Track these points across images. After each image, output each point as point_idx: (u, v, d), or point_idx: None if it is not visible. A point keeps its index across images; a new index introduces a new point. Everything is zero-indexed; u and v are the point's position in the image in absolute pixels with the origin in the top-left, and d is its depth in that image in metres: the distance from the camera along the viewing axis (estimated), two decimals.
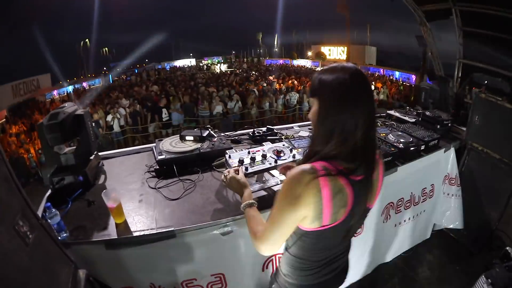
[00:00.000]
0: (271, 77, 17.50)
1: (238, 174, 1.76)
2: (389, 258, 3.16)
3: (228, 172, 1.79)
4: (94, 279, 1.75)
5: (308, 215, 1.20)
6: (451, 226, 3.45)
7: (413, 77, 18.36)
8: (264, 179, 2.15)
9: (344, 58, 26.31)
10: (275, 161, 2.04)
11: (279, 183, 2.16)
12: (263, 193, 2.12)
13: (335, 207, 1.18)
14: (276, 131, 3.13)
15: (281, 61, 31.03)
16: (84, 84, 21.20)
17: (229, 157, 2.03)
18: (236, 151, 2.14)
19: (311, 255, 1.40)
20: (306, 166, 1.18)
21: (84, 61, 24.25)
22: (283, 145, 2.24)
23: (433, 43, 7.24)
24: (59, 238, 1.70)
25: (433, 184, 3.14)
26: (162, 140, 2.71)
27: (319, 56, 28.23)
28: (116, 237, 1.75)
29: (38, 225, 1.36)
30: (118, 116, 9.97)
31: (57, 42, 20.96)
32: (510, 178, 2.96)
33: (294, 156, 2.12)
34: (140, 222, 1.86)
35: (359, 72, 1.19)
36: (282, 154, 2.11)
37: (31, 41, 20.38)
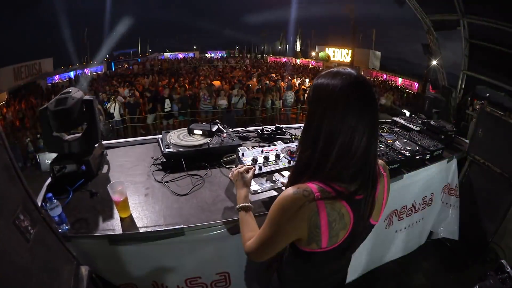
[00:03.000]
0: (273, 75, 17.37)
1: (248, 173, 1.69)
2: (385, 261, 3.13)
3: (239, 167, 1.72)
4: (96, 275, 1.66)
5: (303, 238, 1.12)
6: (447, 236, 3.46)
7: (415, 84, 18.30)
8: (274, 179, 2.07)
9: (348, 61, 26.19)
10: (289, 162, 1.96)
11: None
12: (274, 193, 2.04)
13: (334, 231, 1.10)
14: (284, 130, 3.05)
15: (284, 60, 30.83)
16: (86, 70, 20.96)
17: (242, 155, 1.94)
18: (247, 148, 2.05)
19: (308, 271, 1.33)
20: (300, 187, 1.08)
21: (87, 47, 24.06)
22: (296, 145, 2.15)
23: (439, 52, 7.21)
24: (60, 231, 1.62)
25: (433, 193, 3.11)
26: (169, 132, 2.62)
27: (323, 57, 28.04)
28: (121, 233, 1.67)
29: (40, 219, 1.28)
30: (119, 104, 9.83)
31: (61, 27, 20.71)
32: (509, 192, 2.96)
33: None
34: (146, 217, 1.78)
35: (359, 79, 1.07)
36: (295, 155, 2.02)
37: (35, 25, 20.17)
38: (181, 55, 30.59)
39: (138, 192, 2.01)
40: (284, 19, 28.41)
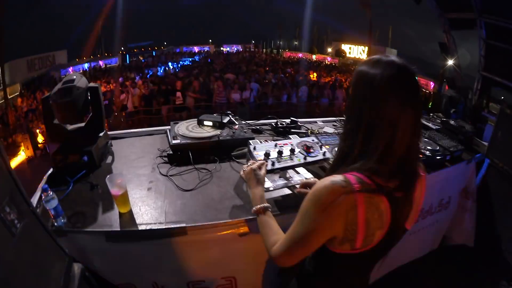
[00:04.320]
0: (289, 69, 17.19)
1: (261, 169, 1.54)
2: (396, 265, 2.98)
3: (251, 163, 1.57)
4: (92, 273, 1.54)
5: (337, 235, 1.04)
6: (462, 242, 3.32)
7: (431, 83, 17.94)
8: (288, 175, 1.90)
9: (364, 58, 25.81)
10: (305, 158, 1.80)
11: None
12: (287, 191, 1.89)
13: (371, 229, 1.01)
14: (300, 124, 2.89)
15: (300, 55, 30.57)
16: (101, 62, 21.26)
17: (254, 148, 1.77)
18: (260, 142, 1.89)
19: (336, 276, 1.21)
20: (338, 177, 0.99)
21: (102, 39, 24.23)
22: (312, 140, 1.99)
23: (456, 51, 7.12)
24: (55, 224, 1.50)
25: (450, 196, 2.95)
26: (177, 123, 2.48)
27: (339, 53, 27.75)
28: (119, 229, 1.53)
29: (29, 212, 1.17)
30: (132, 95, 9.81)
31: (76, 19, 20.87)
32: None
33: (324, 154, 1.87)
34: (147, 214, 1.63)
35: (402, 69, 1.00)
36: (312, 151, 1.86)
37: (49, 16, 20.33)
38: (196, 49, 30.48)
39: (140, 186, 1.87)
40: (301, 14, 28.08)
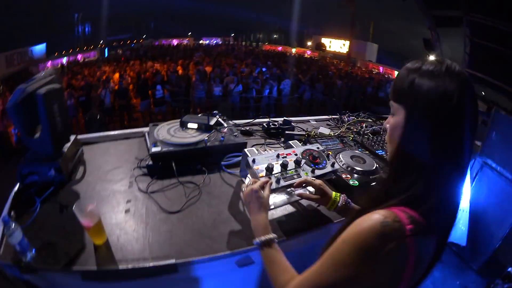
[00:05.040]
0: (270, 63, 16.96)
1: (263, 189, 1.27)
2: None
3: (252, 182, 1.29)
4: None
5: (379, 285, 0.82)
6: (454, 241, 3.39)
7: None
8: (289, 189, 1.62)
9: (345, 52, 25.96)
10: (313, 171, 1.53)
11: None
12: (291, 208, 1.62)
13: (417, 273, 0.85)
14: (294, 125, 2.63)
15: (279, 48, 30.35)
16: (79, 56, 20.72)
17: (253, 161, 1.46)
18: (258, 151, 1.59)
19: None
20: (387, 216, 0.81)
21: (81, 33, 23.49)
22: (317, 148, 1.71)
23: (440, 48, 7.25)
24: (24, 260, 1.20)
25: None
26: (157, 125, 2.17)
27: (319, 47, 27.66)
28: (95, 269, 1.21)
29: None
30: (110, 90, 9.38)
31: (54, 13, 20.13)
32: None
33: (333, 165, 1.61)
34: (127, 245, 1.31)
35: (470, 81, 0.85)
36: (318, 161, 1.59)
37: (28, 10, 19.57)
38: (175, 42, 29.86)
39: (117, 207, 1.54)
40: (280, 7, 27.90)
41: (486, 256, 3.22)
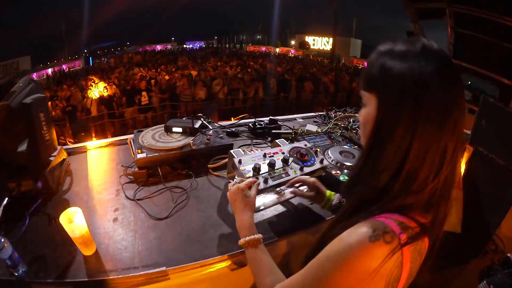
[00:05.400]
0: (251, 63, 16.99)
1: (251, 189, 1.25)
2: None
3: (239, 181, 1.27)
4: None
5: None
6: (449, 229, 3.19)
7: None
8: (278, 189, 1.60)
9: (329, 49, 26.10)
10: (301, 169, 1.52)
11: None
12: (281, 209, 1.61)
13: (411, 277, 0.79)
14: (280, 123, 2.62)
15: (263, 49, 30.38)
16: (64, 66, 20.60)
17: (239, 162, 1.44)
18: (244, 152, 1.57)
19: None
20: (376, 227, 0.72)
21: (65, 43, 23.28)
22: (305, 145, 1.69)
23: None
24: (16, 274, 1.18)
25: None
26: (142, 131, 2.14)
27: (303, 45, 27.75)
28: (86, 280, 1.19)
29: None
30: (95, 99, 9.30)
31: (38, 24, 19.98)
32: None
33: (322, 161, 1.60)
34: (116, 255, 1.29)
35: (450, 60, 0.74)
36: (307, 158, 1.58)
37: (12, 22, 19.42)
38: (159, 47, 29.73)
39: (105, 216, 1.52)
40: (263, 7, 27.96)
41: (482, 244, 3.17)
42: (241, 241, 1.10)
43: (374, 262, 0.69)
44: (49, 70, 19.06)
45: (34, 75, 17.35)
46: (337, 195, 1.42)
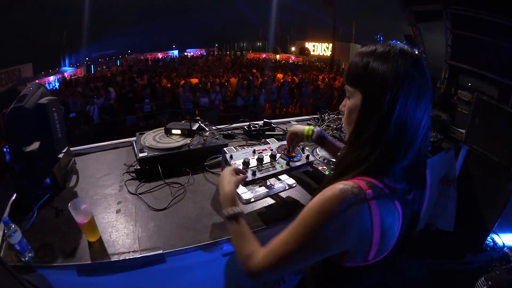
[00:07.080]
0: (254, 70, 17.06)
1: (238, 174, 1.37)
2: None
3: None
4: None
5: (350, 249, 0.90)
6: (443, 228, 3.39)
7: None
8: (268, 183, 1.76)
9: (329, 55, 26.15)
10: (287, 163, 1.66)
11: (287, 188, 1.79)
12: (270, 201, 1.74)
13: (386, 237, 0.89)
14: (274, 126, 2.76)
15: (264, 55, 30.48)
16: (66, 74, 20.74)
17: (231, 157, 1.59)
18: (235, 149, 1.72)
19: None
20: (347, 184, 0.87)
21: (67, 50, 23.44)
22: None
23: (423, 43, 7.26)
24: (23, 259, 1.31)
25: (430, 184, 2.92)
26: (143, 133, 2.29)
27: (303, 51, 27.86)
28: (90, 262, 1.33)
29: None
30: (97, 105, 9.42)
31: (40, 31, 20.12)
32: (508, 182, 2.89)
33: (308, 157, 1.74)
34: (118, 240, 1.44)
35: (420, 60, 0.92)
36: (294, 154, 1.72)
37: (14, 29, 19.56)
38: (160, 55, 29.90)
39: (108, 208, 1.67)
40: (263, 14, 28.05)
41: (480, 242, 3.26)
42: (225, 212, 1.16)
43: (343, 209, 0.83)
44: (51, 78, 19.19)
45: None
46: (316, 128, 1.56)
